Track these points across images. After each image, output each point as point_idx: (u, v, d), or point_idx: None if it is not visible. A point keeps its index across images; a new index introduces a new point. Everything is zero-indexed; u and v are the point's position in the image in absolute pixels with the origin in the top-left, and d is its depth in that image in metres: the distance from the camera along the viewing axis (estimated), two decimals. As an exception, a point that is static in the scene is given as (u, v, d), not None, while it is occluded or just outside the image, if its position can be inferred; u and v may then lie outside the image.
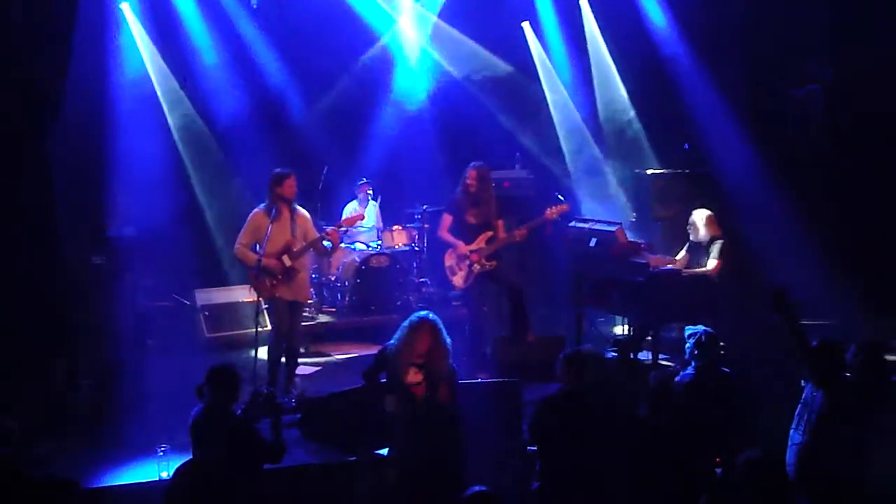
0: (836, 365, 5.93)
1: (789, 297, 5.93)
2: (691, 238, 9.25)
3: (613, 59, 12.28)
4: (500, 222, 9.45)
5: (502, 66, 12.91)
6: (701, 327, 6.82)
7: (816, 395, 5.89)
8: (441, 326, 6.45)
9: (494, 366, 9.13)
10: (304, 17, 12.09)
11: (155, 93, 11.62)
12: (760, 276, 9.62)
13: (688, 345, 6.82)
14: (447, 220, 9.44)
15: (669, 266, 9.18)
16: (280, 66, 12.40)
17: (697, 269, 9.04)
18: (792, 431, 6.00)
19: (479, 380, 8.38)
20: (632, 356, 9.16)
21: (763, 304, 8.69)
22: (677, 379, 6.72)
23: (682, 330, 7.63)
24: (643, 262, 9.02)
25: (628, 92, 12.28)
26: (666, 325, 9.38)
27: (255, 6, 11.78)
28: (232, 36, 12.06)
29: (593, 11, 12.26)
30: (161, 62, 11.64)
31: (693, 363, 6.72)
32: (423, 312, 6.59)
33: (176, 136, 11.84)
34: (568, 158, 12.77)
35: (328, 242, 8.92)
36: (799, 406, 5.99)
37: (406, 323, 6.52)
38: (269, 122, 12.28)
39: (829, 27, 10.14)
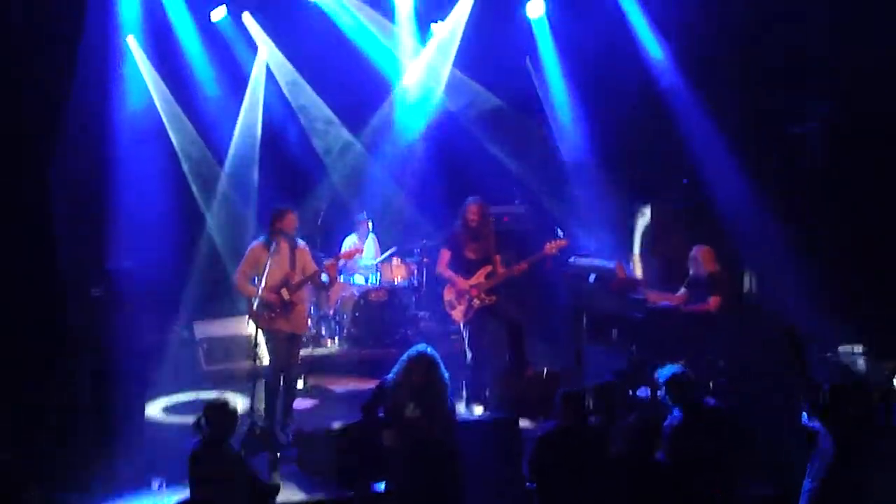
0: (848, 409, 5.81)
1: (799, 336, 5.86)
2: (691, 273, 9.25)
3: (612, 92, 12.31)
4: (498, 258, 9.46)
5: (499, 101, 12.96)
6: (670, 368, 6.66)
7: (827, 440, 5.77)
8: (439, 361, 6.44)
9: (494, 401, 9.09)
10: (306, 53, 12.17)
11: (156, 124, 11.67)
12: (760, 312, 9.61)
13: (661, 391, 6.71)
14: (445, 255, 9.43)
15: (668, 302, 9.18)
16: (281, 101, 12.48)
17: (697, 306, 9.04)
18: (805, 480, 5.89)
19: (478, 416, 8.35)
20: (630, 392, 9.12)
21: (762, 339, 8.74)
22: (666, 424, 6.55)
23: (682, 366, 7.61)
24: (642, 297, 9.02)
25: (627, 125, 12.30)
26: (665, 360, 9.34)
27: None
28: (235, 69, 12.13)
29: (591, 44, 12.32)
30: (167, 94, 11.71)
31: (677, 406, 6.57)
32: (421, 347, 6.58)
33: (178, 168, 11.89)
34: (565, 193, 12.80)
35: (326, 276, 8.93)
36: (814, 456, 5.88)
37: (404, 357, 6.51)
38: (270, 156, 12.32)
39: (828, 63, 10.18)
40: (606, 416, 6.52)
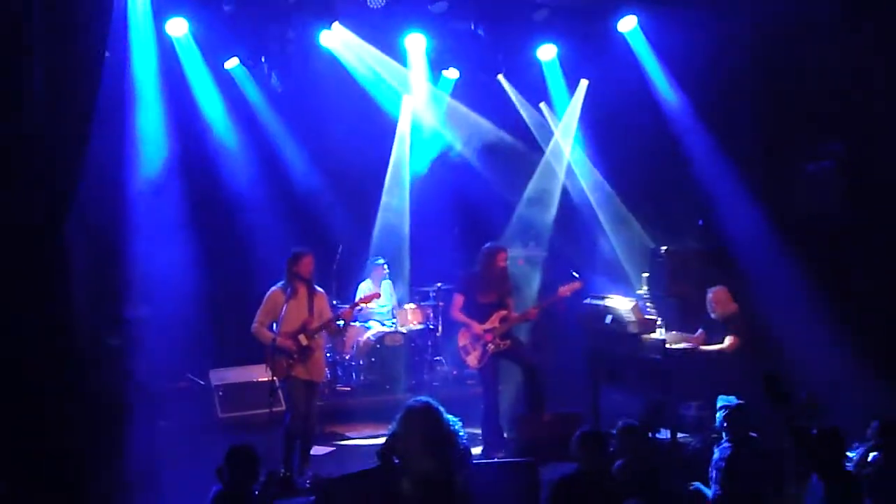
0: (836, 455, 5.80)
1: (780, 384, 5.86)
2: (711, 315, 9.22)
3: (626, 135, 12.35)
4: (511, 301, 9.44)
5: (514, 142, 13.03)
6: (733, 399, 6.82)
7: (818, 486, 5.76)
8: (440, 409, 6.38)
9: (511, 445, 9.04)
10: (320, 100, 12.27)
11: (170, 172, 11.73)
12: (778, 353, 9.54)
13: (718, 415, 6.82)
14: (459, 300, 9.44)
15: (686, 343, 9.14)
16: (297, 147, 12.57)
17: (714, 347, 8.99)
18: None
19: (496, 460, 8.29)
20: (651, 434, 9.05)
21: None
22: (718, 455, 6.72)
23: (700, 408, 7.63)
24: (660, 338, 8.98)
25: (642, 166, 12.33)
26: (684, 402, 9.28)
27: (278, 90, 11.93)
28: (249, 116, 12.23)
29: (604, 87, 12.39)
30: (179, 144, 11.78)
31: (726, 435, 6.73)
32: (421, 399, 6.52)
33: (192, 215, 11.94)
34: (580, 235, 12.81)
35: (341, 322, 8.95)
36: (806, 497, 5.87)
37: (400, 415, 6.46)
38: (285, 202, 12.39)
39: (841, 102, 10.20)
40: (632, 458, 6.49)
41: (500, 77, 12.49)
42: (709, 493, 6.76)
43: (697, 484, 6.93)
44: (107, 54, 7.78)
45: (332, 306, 9.35)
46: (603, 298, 9.69)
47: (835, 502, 5.66)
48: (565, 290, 9.36)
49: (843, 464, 5.84)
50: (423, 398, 6.48)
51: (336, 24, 11.07)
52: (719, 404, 7.09)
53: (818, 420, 8.30)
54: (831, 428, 5.95)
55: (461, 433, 6.52)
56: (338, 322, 8.89)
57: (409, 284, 12.82)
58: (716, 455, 6.83)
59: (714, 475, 6.77)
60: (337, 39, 11.40)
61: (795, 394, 6.20)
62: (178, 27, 10.82)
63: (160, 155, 11.60)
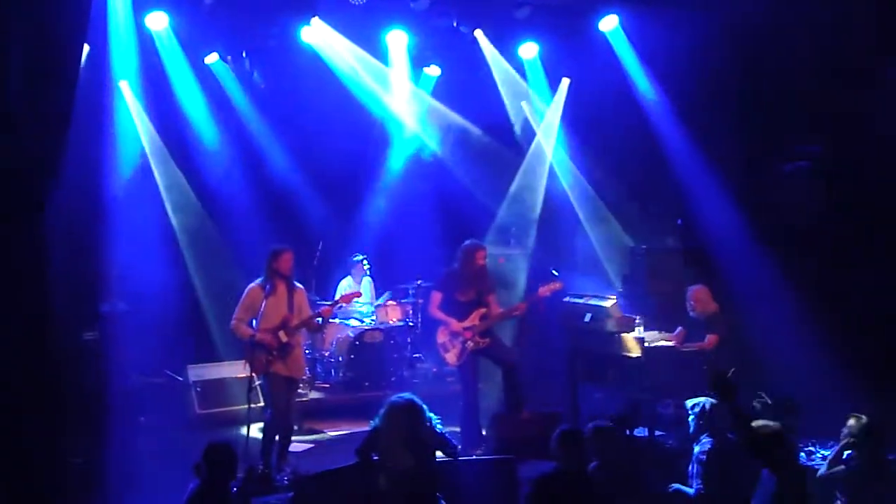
0: (787, 452, 5.81)
1: (729, 382, 5.88)
2: (688, 313, 9.25)
3: (605, 135, 12.39)
4: (493, 297, 9.44)
5: (492, 141, 13.03)
6: (704, 399, 6.83)
7: (770, 480, 5.77)
8: (422, 408, 6.39)
9: (490, 443, 9.04)
10: (301, 96, 12.23)
11: (150, 168, 11.67)
12: (757, 351, 9.60)
13: (691, 418, 6.82)
14: (437, 297, 9.43)
15: (665, 342, 9.17)
16: (278, 142, 12.53)
17: (693, 345, 9.03)
18: None
19: (475, 457, 8.29)
20: (628, 432, 9.08)
21: (758, 377, 8.71)
22: (699, 450, 6.74)
23: (678, 406, 7.65)
24: (639, 337, 9.01)
25: (622, 165, 12.37)
26: (662, 401, 9.31)
27: (261, 86, 11.89)
28: (229, 112, 12.17)
29: (586, 86, 12.42)
30: (157, 139, 11.73)
31: (705, 434, 6.74)
32: (405, 395, 6.53)
33: (170, 211, 11.88)
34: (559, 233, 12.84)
35: (320, 319, 8.93)
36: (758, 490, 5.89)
37: (387, 405, 6.47)
38: (264, 198, 12.34)
39: (818, 104, 10.27)
40: (604, 460, 6.50)
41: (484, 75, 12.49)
42: (690, 491, 6.78)
43: (676, 485, 6.94)
44: (87, 48, 7.73)
45: (312, 303, 9.32)
46: (582, 297, 9.70)
47: (785, 496, 5.66)
48: (545, 289, 9.37)
49: (794, 458, 5.85)
50: (407, 395, 6.49)
51: (317, 21, 11.04)
52: (689, 405, 7.08)
53: (795, 419, 8.39)
54: (776, 425, 5.96)
55: (442, 430, 6.55)
56: (317, 319, 8.87)
57: (390, 282, 12.79)
58: (696, 450, 6.84)
59: (695, 470, 6.78)
60: (318, 35, 11.36)
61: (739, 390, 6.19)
62: (158, 21, 10.75)
63: (139, 150, 11.55)
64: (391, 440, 6.31)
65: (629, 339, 9.02)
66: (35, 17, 6.99)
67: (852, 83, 9.97)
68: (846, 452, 6.80)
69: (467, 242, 9.47)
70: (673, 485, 6.97)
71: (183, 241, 11.99)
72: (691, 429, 7.00)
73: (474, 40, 11.75)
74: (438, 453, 6.67)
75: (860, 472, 6.60)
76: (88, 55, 9.55)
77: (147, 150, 11.69)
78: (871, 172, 10.00)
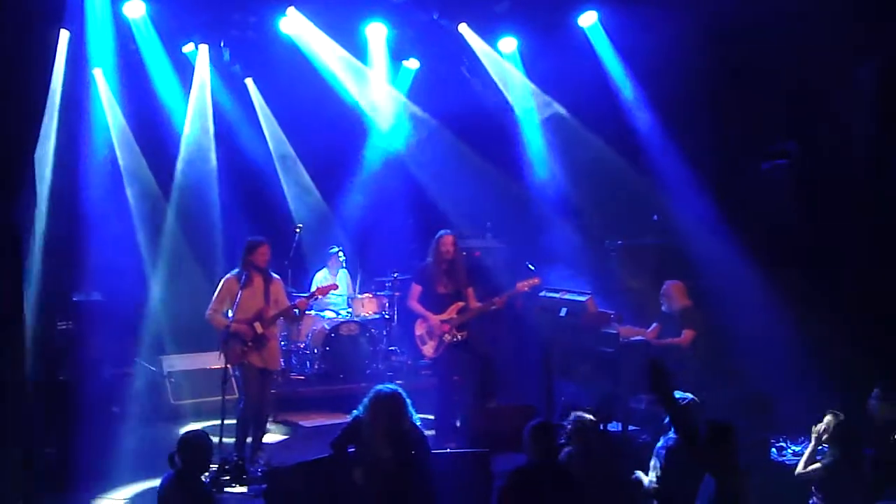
0: (725, 452, 5.73)
1: (664, 374, 5.75)
2: (663, 308, 9.29)
3: (584, 130, 12.43)
4: (471, 291, 9.46)
5: (469, 134, 13.04)
6: (680, 395, 6.80)
7: (710, 482, 5.72)
8: (406, 400, 6.40)
9: (465, 436, 9.06)
10: (280, 86, 12.20)
11: (122, 154, 11.60)
12: (731, 347, 9.65)
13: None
14: (416, 289, 9.43)
15: (640, 337, 9.21)
16: (256, 133, 12.49)
17: (668, 340, 9.07)
18: None
19: (449, 450, 8.30)
20: (602, 427, 9.11)
21: (734, 374, 8.75)
22: (661, 443, 6.71)
23: (651, 401, 7.66)
24: (614, 332, 9.03)
25: (597, 164, 12.40)
26: (635, 395, 9.35)
27: (237, 72, 11.84)
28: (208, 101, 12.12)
29: (564, 81, 12.45)
30: (127, 129, 11.66)
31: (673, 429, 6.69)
32: (390, 386, 6.55)
33: (137, 199, 11.81)
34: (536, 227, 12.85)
35: (297, 310, 8.93)
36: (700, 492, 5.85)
37: (371, 395, 6.47)
38: (241, 188, 12.30)
39: (795, 102, 10.33)
40: (582, 451, 6.52)
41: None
42: (646, 480, 6.75)
43: (638, 474, 6.93)
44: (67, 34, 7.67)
45: (288, 294, 9.30)
46: (558, 291, 9.72)
47: (725, 499, 5.62)
48: (523, 285, 9.38)
49: (733, 461, 5.74)
50: (392, 386, 6.49)
51: (295, 11, 11.00)
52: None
53: (769, 415, 8.44)
54: (722, 424, 5.86)
55: (419, 423, 6.56)
56: (294, 310, 8.86)
57: (366, 274, 12.78)
58: (660, 443, 6.81)
59: (653, 462, 6.76)
60: (296, 27, 11.33)
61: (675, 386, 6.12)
62: (135, 9, 10.68)
63: (114, 140, 11.48)
64: (374, 431, 6.30)
65: (604, 333, 9.04)
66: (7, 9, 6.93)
67: (828, 82, 10.03)
68: (821, 448, 6.81)
69: (440, 232, 9.50)
70: (636, 472, 6.96)
71: (158, 230, 11.93)
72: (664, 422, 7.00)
73: (455, 33, 11.74)
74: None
75: (836, 469, 6.61)
76: (64, 43, 9.51)
77: (117, 139, 11.62)
78: (847, 171, 10.07)
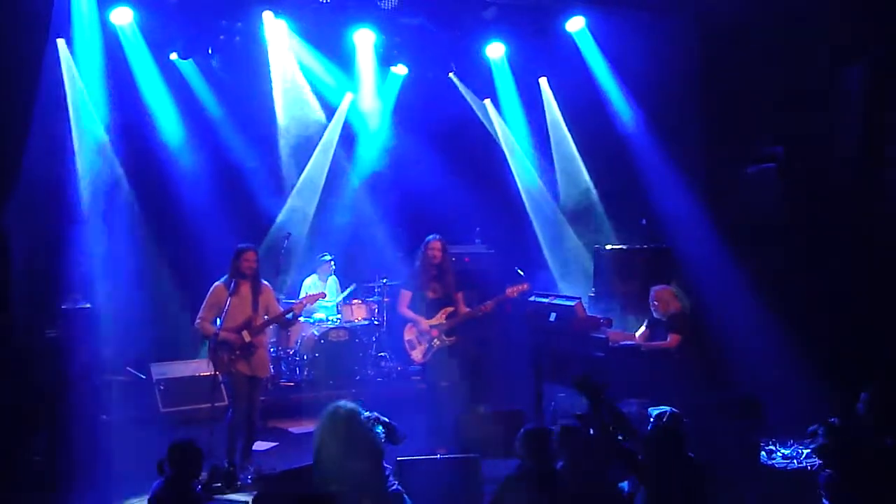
0: (670, 451, 5.70)
1: (594, 382, 5.75)
2: (652, 312, 9.31)
3: (572, 136, 12.47)
4: (460, 296, 9.47)
5: (459, 142, 13.06)
6: (668, 408, 6.75)
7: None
8: (358, 413, 6.31)
9: (454, 441, 9.05)
10: (268, 92, 12.19)
11: (110, 161, 11.53)
12: (720, 351, 9.67)
13: (649, 426, 6.77)
14: (406, 295, 9.44)
15: (629, 341, 9.23)
16: (244, 139, 12.48)
17: (656, 343, 9.09)
18: None
19: (439, 455, 8.30)
20: (591, 431, 9.10)
21: (722, 378, 8.75)
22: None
23: (641, 405, 7.65)
24: (603, 336, 9.05)
25: (587, 168, 12.45)
26: (624, 399, 9.35)
27: (223, 77, 11.83)
28: (195, 107, 12.09)
29: (553, 88, 12.50)
30: (112, 136, 11.62)
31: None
32: (325, 412, 6.42)
33: (126, 207, 11.77)
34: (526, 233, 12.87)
35: (291, 314, 8.95)
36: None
37: (323, 415, 6.37)
38: (230, 194, 12.27)
39: (782, 106, 10.37)
40: (570, 459, 6.50)
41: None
42: (625, 487, 6.73)
43: (623, 484, 6.91)
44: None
45: (278, 301, 9.29)
46: (547, 296, 9.73)
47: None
48: (512, 290, 9.39)
49: (665, 468, 5.72)
50: (332, 405, 6.39)
51: (280, 18, 11.03)
52: (653, 413, 6.98)
53: (758, 419, 8.44)
54: (662, 430, 5.85)
55: (378, 429, 6.51)
56: (288, 315, 8.89)
57: (355, 281, 12.76)
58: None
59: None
60: (283, 32, 11.33)
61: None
62: (123, 16, 10.67)
63: (102, 147, 11.43)
64: (331, 452, 6.21)
65: (593, 338, 9.05)
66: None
67: (815, 85, 10.07)
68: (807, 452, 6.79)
69: (428, 237, 9.51)
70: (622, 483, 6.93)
71: (147, 237, 11.89)
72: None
73: (442, 39, 11.77)
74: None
75: (842, 486, 6.57)
76: (50, 50, 9.47)
77: (112, 146, 11.57)
78: (834, 173, 10.11)
